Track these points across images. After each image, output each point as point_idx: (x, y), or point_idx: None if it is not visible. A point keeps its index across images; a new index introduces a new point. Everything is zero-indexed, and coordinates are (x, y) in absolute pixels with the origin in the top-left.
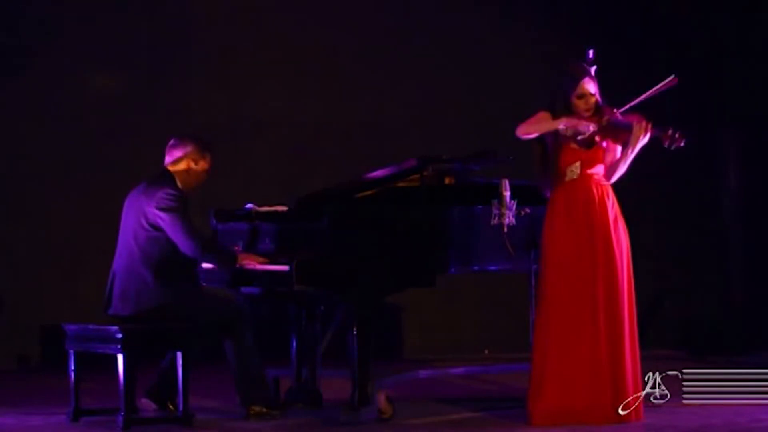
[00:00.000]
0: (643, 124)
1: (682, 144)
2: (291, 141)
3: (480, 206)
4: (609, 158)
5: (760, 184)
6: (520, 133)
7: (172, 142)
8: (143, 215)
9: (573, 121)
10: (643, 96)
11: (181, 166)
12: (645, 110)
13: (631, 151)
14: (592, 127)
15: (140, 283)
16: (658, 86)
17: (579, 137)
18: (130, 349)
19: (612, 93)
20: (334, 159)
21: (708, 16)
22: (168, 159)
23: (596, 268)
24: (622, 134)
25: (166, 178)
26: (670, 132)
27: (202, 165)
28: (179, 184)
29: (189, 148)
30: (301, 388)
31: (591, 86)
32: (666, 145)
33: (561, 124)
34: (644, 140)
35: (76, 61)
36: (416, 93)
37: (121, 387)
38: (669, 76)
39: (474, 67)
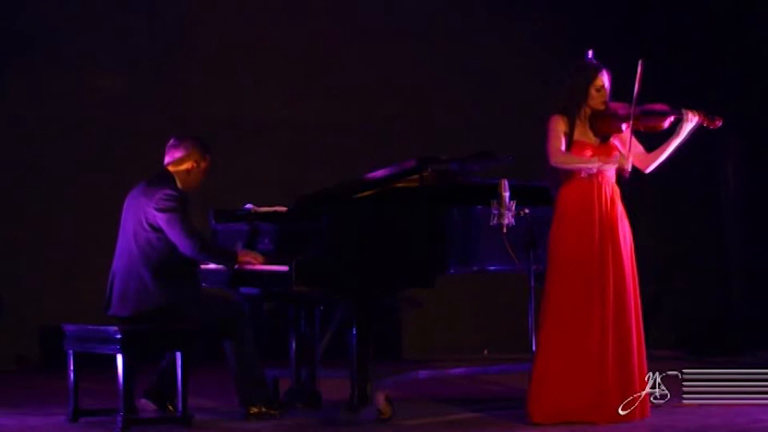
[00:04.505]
0: (688, 112)
1: (720, 123)
2: (291, 141)
3: (479, 206)
4: (637, 149)
5: (760, 184)
6: (557, 164)
7: (172, 141)
8: (143, 216)
9: (610, 160)
10: (636, 93)
11: (183, 166)
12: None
13: (679, 139)
14: (629, 164)
15: (139, 284)
16: (638, 78)
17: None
18: (129, 350)
19: (611, 93)
20: (334, 159)
21: (707, 15)
22: (168, 159)
23: (606, 267)
24: (649, 121)
25: (166, 178)
26: (704, 112)
27: (203, 165)
28: (179, 185)
29: (191, 149)
30: (300, 389)
31: (606, 79)
32: (705, 125)
33: (600, 164)
34: (692, 125)
35: (76, 61)
36: (416, 93)
37: (120, 387)
38: (638, 64)
39: (474, 67)
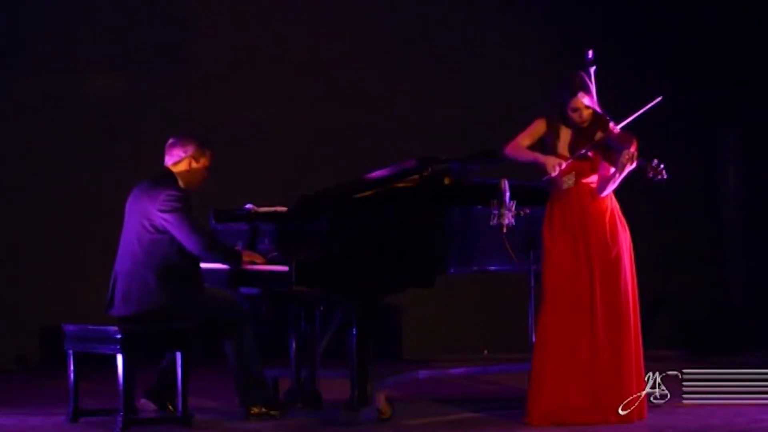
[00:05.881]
0: (631, 153)
1: (665, 177)
2: (291, 141)
3: (479, 206)
4: (603, 171)
5: (760, 184)
6: (507, 153)
7: (171, 141)
8: (146, 218)
9: (543, 158)
10: (633, 116)
11: (183, 165)
12: (650, 117)
13: (619, 176)
14: (556, 171)
15: (142, 285)
16: (647, 107)
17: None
18: (129, 350)
19: (610, 93)
20: (334, 159)
21: (707, 15)
22: (168, 159)
23: (593, 272)
24: (613, 156)
25: (168, 178)
26: (654, 163)
27: (203, 162)
28: (181, 184)
29: (190, 148)
30: (300, 389)
31: (586, 99)
32: (649, 176)
33: (536, 160)
34: (630, 168)
35: (76, 61)
36: (415, 93)
37: (120, 387)
38: (657, 98)
39: (473, 68)
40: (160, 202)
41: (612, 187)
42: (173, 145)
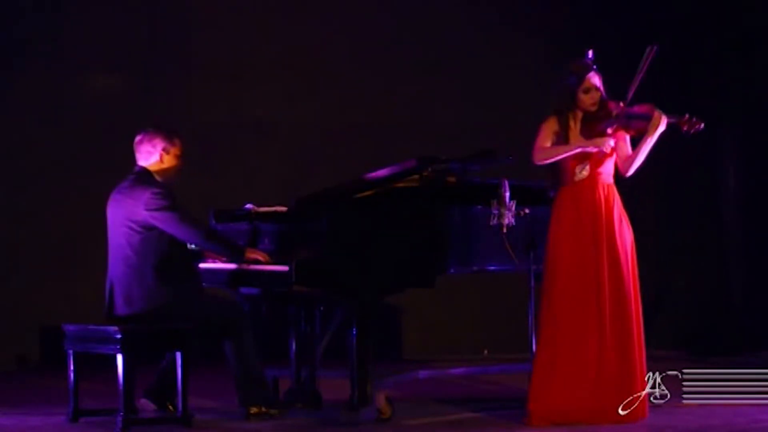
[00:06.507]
0: (657, 113)
1: (701, 127)
2: (291, 141)
3: (479, 206)
4: (622, 152)
5: (760, 184)
6: (539, 161)
7: (138, 138)
8: (132, 219)
9: (588, 142)
10: (637, 78)
11: (155, 159)
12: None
13: (650, 141)
14: (609, 145)
15: (143, 285)
16: (644, 61)
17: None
18: (129, 350)
19: (611, 94)
20: (334, 159)
21: (707, 15)
22: (140, 158)
23: (601, 269)
24: (636, 124)
25: (146, 176)
26: (686, 117)
27: (174, 152)
28: (160, 179)
29: (158, 142)
30: (300, 389)
31: (596, 80)
32: (684, 130)
33: (578, 148)
34: (662, 128)
35: (76, 61)
36: (415, 93)
37: (120, 387)
38: (649, 50)
39: (473, 68)
40: (145, 202)
41: (640, 159)
42: (141, 143)
